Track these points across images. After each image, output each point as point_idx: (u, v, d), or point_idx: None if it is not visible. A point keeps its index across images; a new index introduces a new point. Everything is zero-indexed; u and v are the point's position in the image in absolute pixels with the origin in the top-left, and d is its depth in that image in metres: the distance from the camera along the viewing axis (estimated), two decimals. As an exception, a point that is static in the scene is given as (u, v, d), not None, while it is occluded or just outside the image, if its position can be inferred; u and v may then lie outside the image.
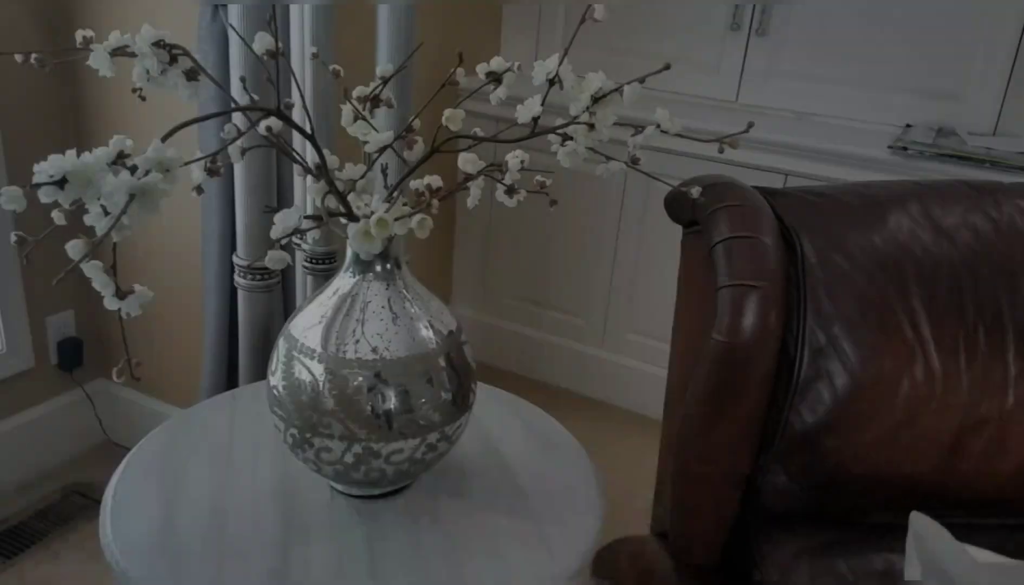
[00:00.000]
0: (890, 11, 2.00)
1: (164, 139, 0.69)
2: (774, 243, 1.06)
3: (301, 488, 0.97)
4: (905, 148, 1.81)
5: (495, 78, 0.84)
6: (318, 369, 0.86)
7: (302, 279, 1.52)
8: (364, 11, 1.52)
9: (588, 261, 2.31)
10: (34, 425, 1.88)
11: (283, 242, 0.82)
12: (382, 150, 0.84)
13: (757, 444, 1.11)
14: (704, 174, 1.18)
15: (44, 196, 0.65)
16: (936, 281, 1.11)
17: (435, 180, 0.77)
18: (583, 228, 2.29)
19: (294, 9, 1.27)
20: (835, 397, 1.07)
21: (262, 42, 0.77)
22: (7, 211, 0.67)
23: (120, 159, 0.68)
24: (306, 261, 1.47)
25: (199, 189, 0.86)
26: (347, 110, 0.87)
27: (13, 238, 0.70)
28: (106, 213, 0.67)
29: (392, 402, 0.86)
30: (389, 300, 0.88)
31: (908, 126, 1.99)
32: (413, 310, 0.89)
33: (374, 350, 0.86)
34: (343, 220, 0.83)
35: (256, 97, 0.86)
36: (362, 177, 0.84)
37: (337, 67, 0.96)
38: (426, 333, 0.89)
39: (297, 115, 0.86)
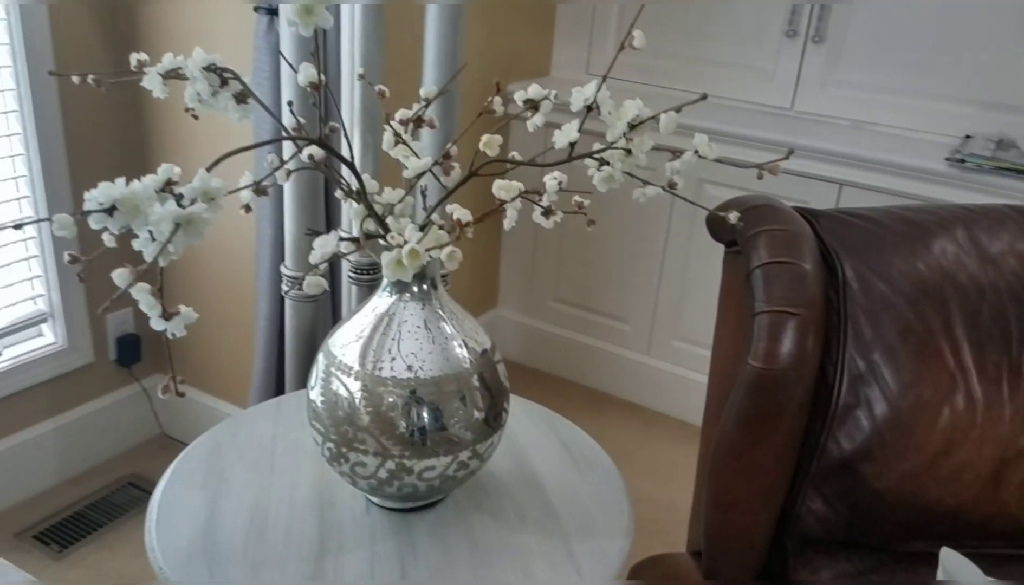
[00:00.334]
0: (950, 20, 1.96)
1: (210, 169, 0.72)
2: (814, 268, 1.05)
3: (338, 498, 1.00)
4: (963, 160, 1.77)
5: (532, 105, 0.85)
6: (355, 386, 0.88)
7: (347, 289, 1.55)
8: (413, 18, 1.53)
9: (635, 267, 2.31)
10: (93, 418, 1.96)
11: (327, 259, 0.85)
12: (419, 175, 0.86)
13: (793, 469, 1.10)
14: (747, 194, 1.17)
15: (94, 223, 0.68)
16: (980, 309, 1.08)
17: (464, 214, 0.78)
18: (631, 234, 2.29)
19: (344, 27, 1.29)
20: (874, 425, 1.06)
21: (306, 74, 0.79)
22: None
23: (168, 187, 0.71)
24: (351, 272, 1.50)
25: (247, 207, 0.89)
26: (388, 134, 0.89)
27: (67, 258, 0.74)
28: (154, 238, 0.71)
29: (425, 420, 0.88)
30: (425, 320, 0.90)
31: (967, 137, 1.94)
32: (448, 329, 0.91)
33: (409, 368, 0.88)
34: (381, 242, 0.85)
35: (303, 121, 0.88)
36: (400, 201, 0.86)
37: (383, 88, 0.98)
38: (460, 352, 0.91)
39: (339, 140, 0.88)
